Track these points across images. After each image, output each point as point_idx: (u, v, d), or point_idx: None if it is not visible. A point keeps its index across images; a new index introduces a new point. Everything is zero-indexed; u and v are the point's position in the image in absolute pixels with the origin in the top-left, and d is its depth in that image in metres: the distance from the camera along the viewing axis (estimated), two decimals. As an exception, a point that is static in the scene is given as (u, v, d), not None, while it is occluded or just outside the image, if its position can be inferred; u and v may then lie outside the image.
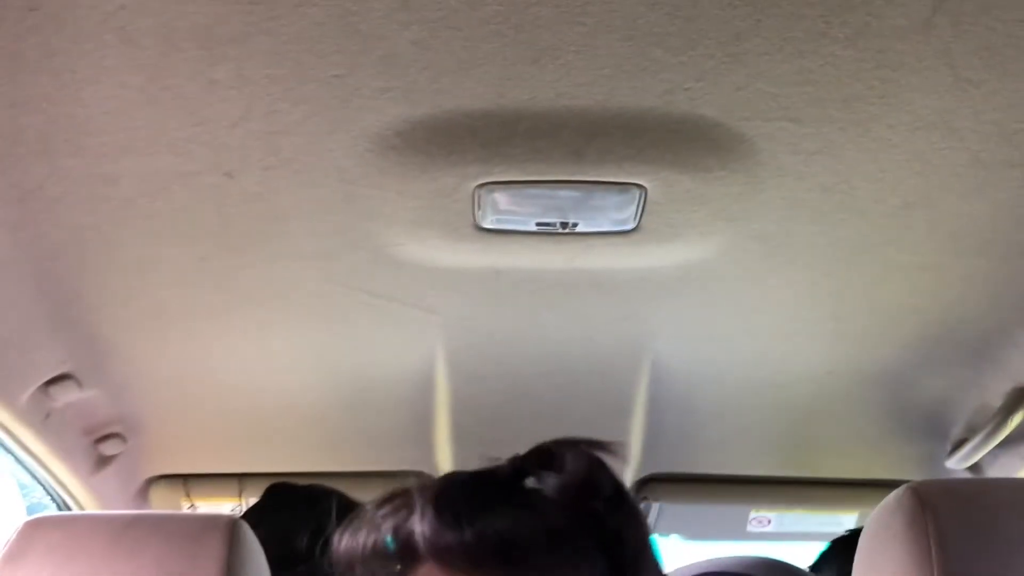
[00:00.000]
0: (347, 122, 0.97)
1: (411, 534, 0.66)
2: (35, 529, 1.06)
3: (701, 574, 1.05)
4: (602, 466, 0.69)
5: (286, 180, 1.06)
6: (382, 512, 0.69)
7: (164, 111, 0.95)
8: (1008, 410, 1.46)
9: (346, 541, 0.69)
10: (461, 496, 0.67)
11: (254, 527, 1.21)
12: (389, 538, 0.67)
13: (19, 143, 0.98)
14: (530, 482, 0.70)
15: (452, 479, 0.70)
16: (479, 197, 1.08)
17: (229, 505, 1.78)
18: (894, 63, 0.89)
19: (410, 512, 0.67)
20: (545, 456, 0.70)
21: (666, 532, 1.93)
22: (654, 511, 1.86)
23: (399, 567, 0.66)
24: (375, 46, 0.87)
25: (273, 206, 1.10)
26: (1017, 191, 1.07)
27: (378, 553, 0.67)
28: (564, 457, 0.69)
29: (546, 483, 0.69)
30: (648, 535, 0.72)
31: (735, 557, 1.43)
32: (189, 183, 1.06)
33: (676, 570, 1.21)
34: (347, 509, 1.36)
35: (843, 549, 1.52)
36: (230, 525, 1.05)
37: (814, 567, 1.53)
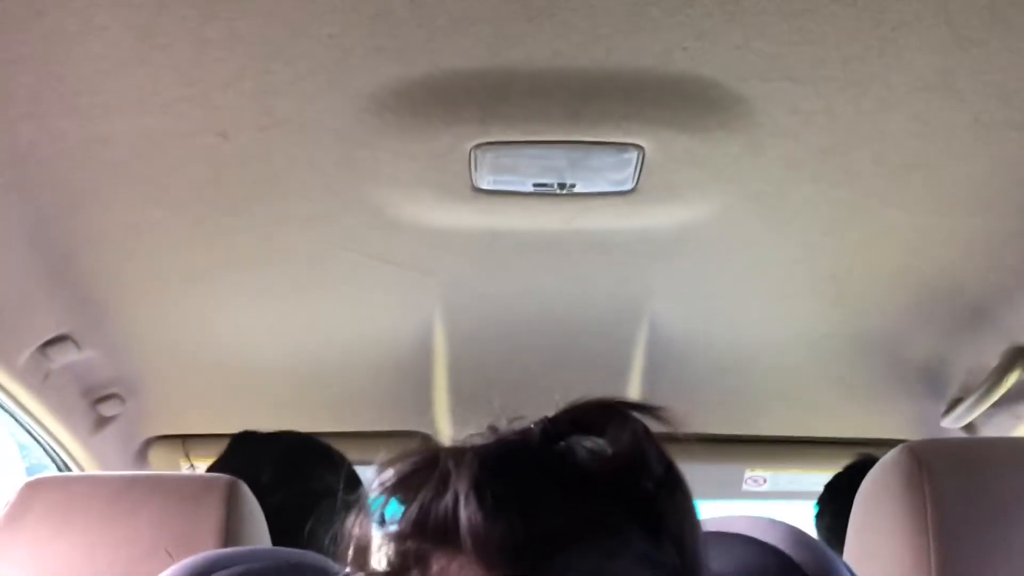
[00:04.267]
0: (341, 82, 0.96)
1: (448, 521, 0.56)
2: (35, 490, 1.07)
3: (705, 532, 1.05)
4: (650, 438, 0.61)
5: (281, 141, 1.05)
6: (407, 485, 0.60)
7: (156, 71, 0.94)
8: (1003, 369, 1.46)
9: (361, 514, 0.61)
10: (506, 482, 0.58)
11: (221, 471, 1.21)
12: (414, 518, 0.58)
13: (10, 104, 0.97)
14: (562, 449, 0.61)
15: (488, 458, 0.59)
16: (476, 157, 1.07)
17: (228, 465, 1.79)
18: (894, 22, 0.88)
19: (443, 491, 0.57)
20: (581, 420, 0.61)
21: (663, 491, 1.95)
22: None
23: (419, 549, 0.57)
24: (368, 5, 0.86)
25: (268, 167, 1.09)
26: (1016, 152, 1.06)
27: (401, 533, 0.58)
28: (605, 425, 0.60)
29: (581, 452, 0.60)
30: (697, 520, 0.64)
31: (735, 517, 1.43)
32: (183, 144, 1.05)
33: None
34: (315, 450, 1.36)
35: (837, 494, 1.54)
36: (229, 485, 1.05)
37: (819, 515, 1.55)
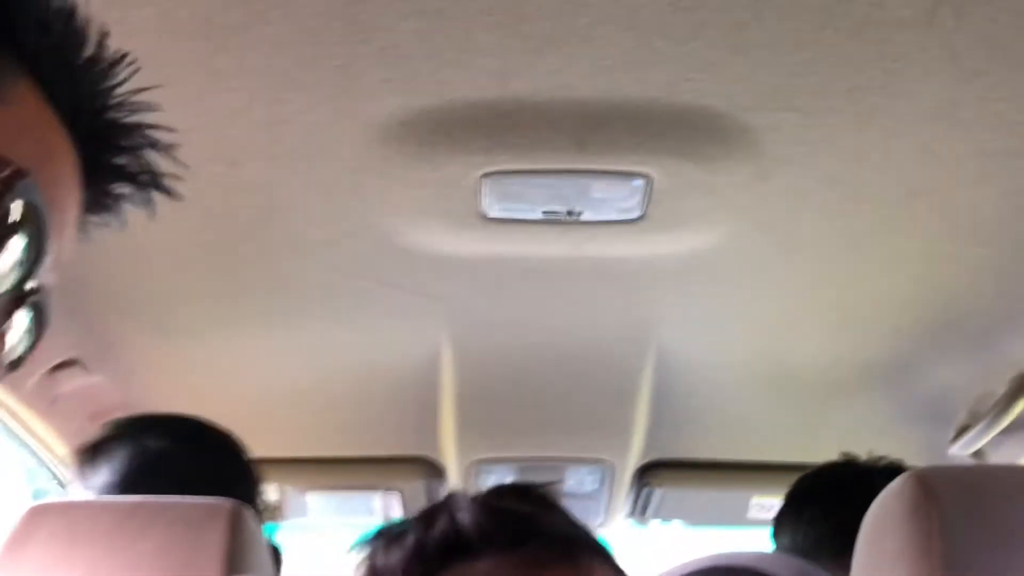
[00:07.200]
0: (350, 112, 0.97)
1: (459, 529, 0.62)
2: (39, 515, 1.06)
3: (715, 567, 1.05)
4: None
5: (290, 169, 1.06)
6: (418, 519, 0.65)
7: (166, 100, 0.94)
8: (1011, 397, 1.46)
9: (380, 555, 0.65)
10: (507, 493, 0.66)
11: (156, 466, 1.15)
12: (434, 536, 0.63)
13: None
14: None
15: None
16: (484, 186, 1.08)
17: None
18: (897, 54, 0.88)
19: (453, 512, 0.64)
20: None
21: (668, 518, 1.94)
22: (657, 497, 1.87)
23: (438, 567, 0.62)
24: (375, 36, 0.87)
25: (277, 195, 1.10)
26: (1021, 180, 1.06)
27: (416, 554, 0.63)
28: None
29: None
30: None
31: (744, 552, 1.41)
32: (193, 172, 1.05)
33: (685, 563, 1.20)
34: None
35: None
36: (233, 511, 1.05)
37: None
